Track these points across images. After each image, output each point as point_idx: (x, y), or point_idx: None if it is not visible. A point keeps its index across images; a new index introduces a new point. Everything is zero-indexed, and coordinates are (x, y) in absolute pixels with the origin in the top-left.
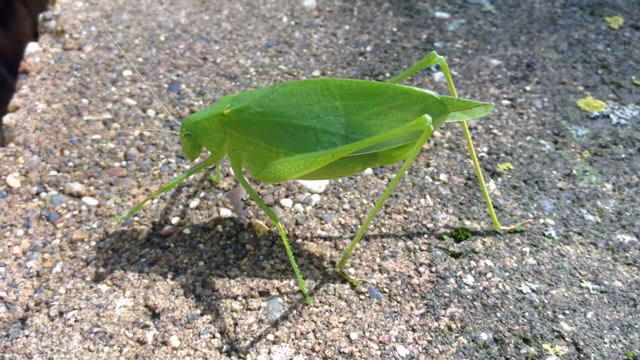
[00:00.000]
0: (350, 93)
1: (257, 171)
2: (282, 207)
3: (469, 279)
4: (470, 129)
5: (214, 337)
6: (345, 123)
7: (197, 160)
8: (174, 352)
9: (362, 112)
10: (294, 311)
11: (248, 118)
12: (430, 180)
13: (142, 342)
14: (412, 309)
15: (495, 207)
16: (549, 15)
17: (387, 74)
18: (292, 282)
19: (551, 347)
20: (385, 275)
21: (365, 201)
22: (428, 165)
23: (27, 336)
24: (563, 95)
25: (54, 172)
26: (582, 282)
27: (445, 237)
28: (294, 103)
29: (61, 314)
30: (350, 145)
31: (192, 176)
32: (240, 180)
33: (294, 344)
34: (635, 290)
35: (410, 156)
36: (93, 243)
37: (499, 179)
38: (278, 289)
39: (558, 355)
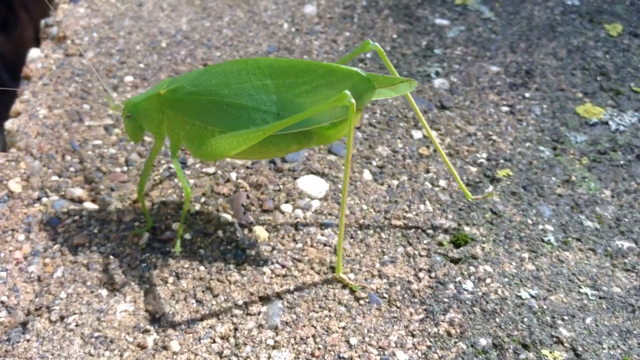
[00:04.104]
0: (280, 72)
1: (195, 150)
2: (282, 212)
3: (468, 285)
4: (469, 135)
5: (214, 342)
6: (276, 101)
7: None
8: (174, 356)
9: (292, 90)
10: (294, 316)
11: (183, 97)
12: (430, 186)
13: (142, 347)
14: (411, 314)
15: (494, 213)
16: (548, 22)
17: None
18: (292, 287)
19: (550, 352)
20: (385, 280)
21: (365, 207)
22: (427, 171)
23: (28, 340)
24: (562, 101)
25: (55, 177)
26: (580, 288)
27: (444, 242)
28: (225, 82)
29: (62, 318)
30: (280, 122)
31: (191, 179)
32: (173, 158)
33: (293, 349)
34: (633, 296)
35: (349, 132)
36: (94, 248)
37: (498, 185)
38: (278, 294)
39: None
